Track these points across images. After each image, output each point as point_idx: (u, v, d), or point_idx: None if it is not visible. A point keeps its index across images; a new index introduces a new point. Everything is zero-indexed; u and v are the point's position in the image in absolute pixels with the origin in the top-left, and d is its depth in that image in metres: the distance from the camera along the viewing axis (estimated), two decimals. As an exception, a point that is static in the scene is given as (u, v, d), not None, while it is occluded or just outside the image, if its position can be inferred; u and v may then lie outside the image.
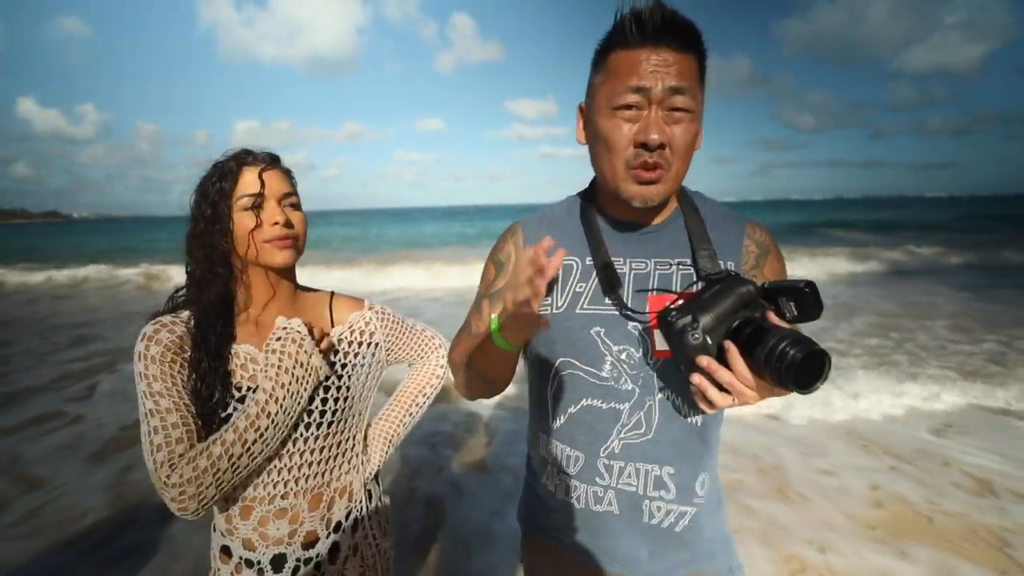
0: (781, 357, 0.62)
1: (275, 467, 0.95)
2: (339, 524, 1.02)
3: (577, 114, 0.89)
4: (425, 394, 1.19)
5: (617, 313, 0.86)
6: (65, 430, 3.83)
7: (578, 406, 0.89)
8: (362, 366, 1.06)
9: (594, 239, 0.89)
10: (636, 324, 0.85)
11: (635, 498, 0.88)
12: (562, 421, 0.91)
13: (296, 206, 0.97)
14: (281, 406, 0.88)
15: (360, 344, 1.06)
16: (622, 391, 0.86)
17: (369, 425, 1.14)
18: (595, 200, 0.94)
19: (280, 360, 0.89)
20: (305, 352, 0.91)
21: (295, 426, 0.95)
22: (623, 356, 0.85)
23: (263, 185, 0.92)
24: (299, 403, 0.91)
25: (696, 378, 0.71)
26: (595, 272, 0.88)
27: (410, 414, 1.17)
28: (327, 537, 1.00)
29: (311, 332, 0.95)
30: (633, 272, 0.87)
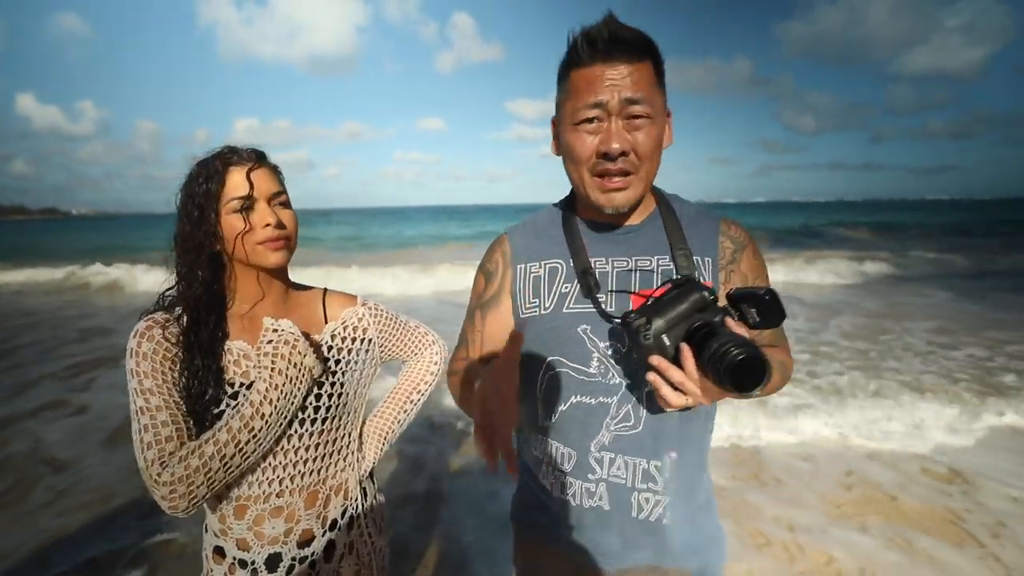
0: (722, 358, 0.67)
1: (270, 465, 0.94)
2: (335, 522, 1.02)
3: (551, 127, 0.94)
4: (420, 391, 1.18)
5: (605, 309, 0.89)
6: (73, 418, 3.98)
7: (568, 403, 0.91)
8: (356, 362, 1.05)
9: (574, 243, 0.93)
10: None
11: (624, 491, 0.90)
12: (553, 419, 0.93)
13: (286, 204, 0.96)
14: (275, 407, 0.88)
15: (354, 340, 1.06)
16: (610, 385, 0.89)
17: (364, 422, 1.13)
18: (575, 206, 0.98)
19: (274, 362, 0.88)
20: (299, 353, 0.90)
21: (289, 423, 0.95)
22: (609, 352, 0.89)
23: (252, 187, 0.90)
24: (293, 404, 0.91)
25: (651, 376, 0.76)
26: (576, 275, 0.92)
27: (405, 411, 1.17)
28: (323, 535, 1.00)
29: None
30: (616, 270, 0.91)
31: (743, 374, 0.66)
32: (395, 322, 1.15)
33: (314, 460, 0.99)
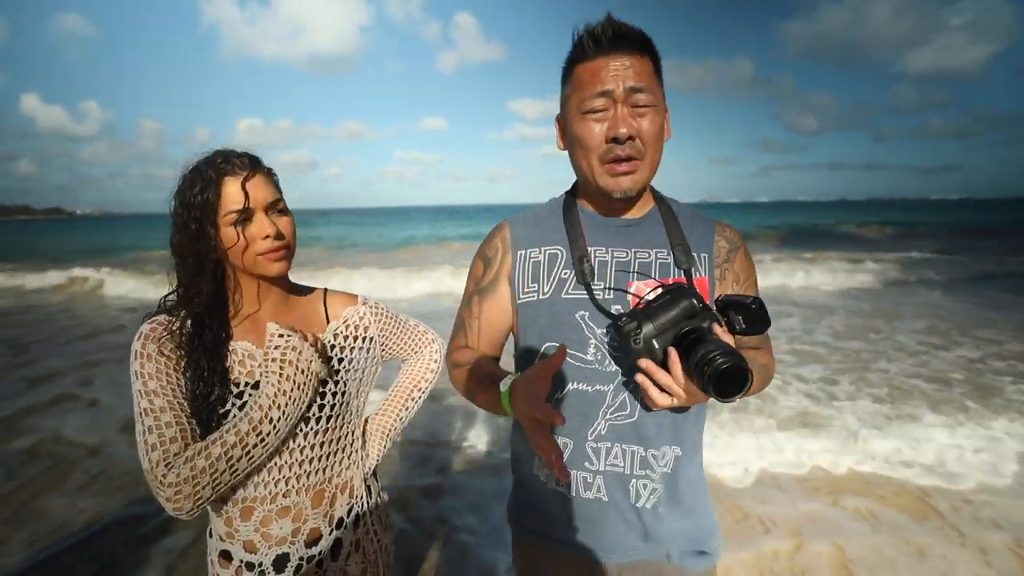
0: (708, 364, 0.70)
1: (276, 465, 0.94)
2: (341, 520, 1.03)
3: (555, 125, 0.98)
4: (420, 388, 1.19)
5: (600, 297, 0.91)
6: (87, 410, 4.16)
7: (564, 391, 0.92)
8: (359, 361, 1.06)
9: (573, 230, 0.96)
10: (618, 307, 0.90)
11: (622, 479, 0.91)
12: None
13: (283, 211, 0.94)
14: (284, 412, 0.88)
15: (355, 339, 1.06)
16: (606, 373, 0.90)
17: (366, 420, 1.14)
18: (577, 198, 1.01)
19: (282, 368, 0.88)
20: (306, 359, 0.90)
21: (295, 424, 0.95)
22: (606, 339, 0.90)
23: (248, 198, 0.88)
24: (301, 408, 0.92)
25: (639, 378, 0.80)
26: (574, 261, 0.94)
27: (406, 408, 1.17)
28: (330, 534, 1.01)
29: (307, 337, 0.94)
30: (615, 259, 0.94)
31: (727, 382, 0.70)
32: (395, 321, 1.15)
33: (320, 459, 0.99)
